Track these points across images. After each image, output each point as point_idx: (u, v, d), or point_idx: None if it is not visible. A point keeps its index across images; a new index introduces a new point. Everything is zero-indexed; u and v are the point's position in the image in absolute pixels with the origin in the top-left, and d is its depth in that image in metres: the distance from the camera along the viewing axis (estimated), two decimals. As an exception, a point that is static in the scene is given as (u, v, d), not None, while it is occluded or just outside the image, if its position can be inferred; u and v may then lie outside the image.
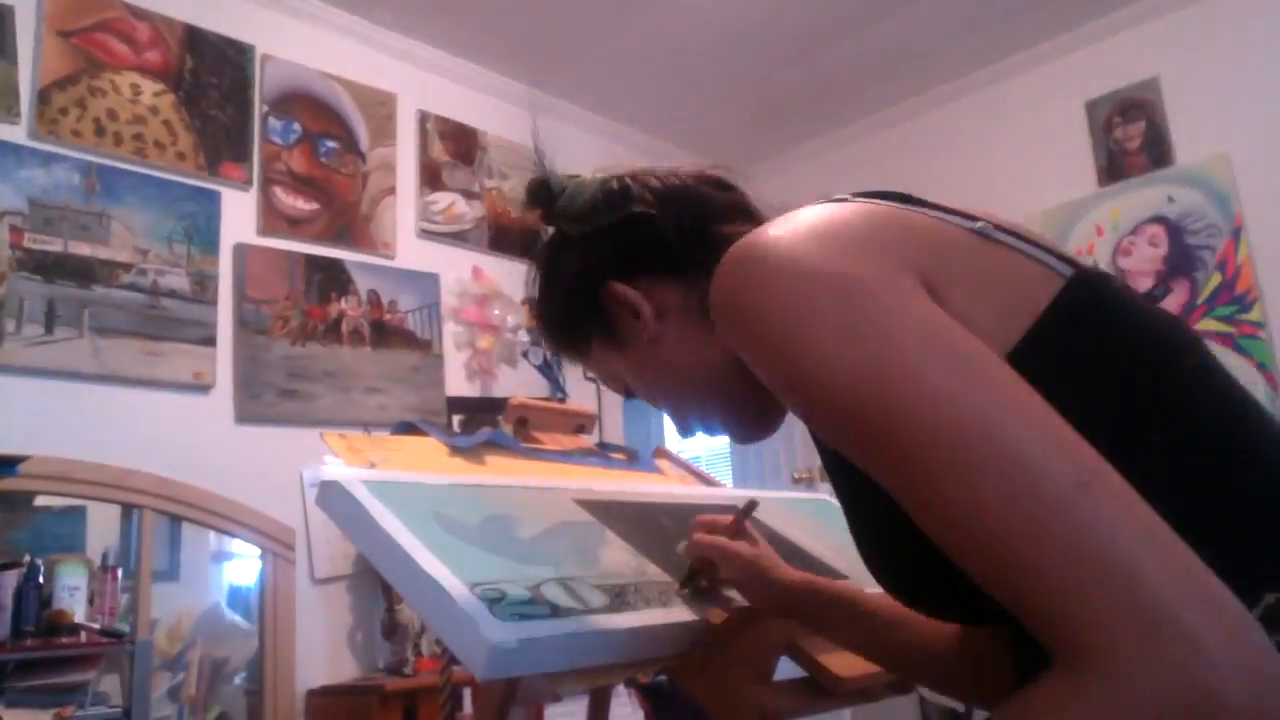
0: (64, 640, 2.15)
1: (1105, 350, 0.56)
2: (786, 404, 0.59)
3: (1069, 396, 0.49)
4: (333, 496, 0.91)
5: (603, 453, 1.43)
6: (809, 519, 1.37)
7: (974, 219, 0.61)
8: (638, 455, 1.47)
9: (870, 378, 0.50)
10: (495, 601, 0.79)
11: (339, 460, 1.02)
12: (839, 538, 1.24)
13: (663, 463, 1.53)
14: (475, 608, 0.78)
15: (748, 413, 0.81)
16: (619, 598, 0.89)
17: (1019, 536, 0.45)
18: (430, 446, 1.17)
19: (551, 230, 0.85)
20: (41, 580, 2.19)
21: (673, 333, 0.79)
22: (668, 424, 5.46)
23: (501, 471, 1.19)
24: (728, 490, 1.48)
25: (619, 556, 1.01)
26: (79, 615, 2.20)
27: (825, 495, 1.45)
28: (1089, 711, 0.42)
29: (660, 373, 0.82)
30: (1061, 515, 0.44)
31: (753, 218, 0.79)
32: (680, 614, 0.91)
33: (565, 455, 1.34)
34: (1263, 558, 0.51)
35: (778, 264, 0.56)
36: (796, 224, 0.59)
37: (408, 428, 1.21)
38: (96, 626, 2.22)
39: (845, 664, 0.97)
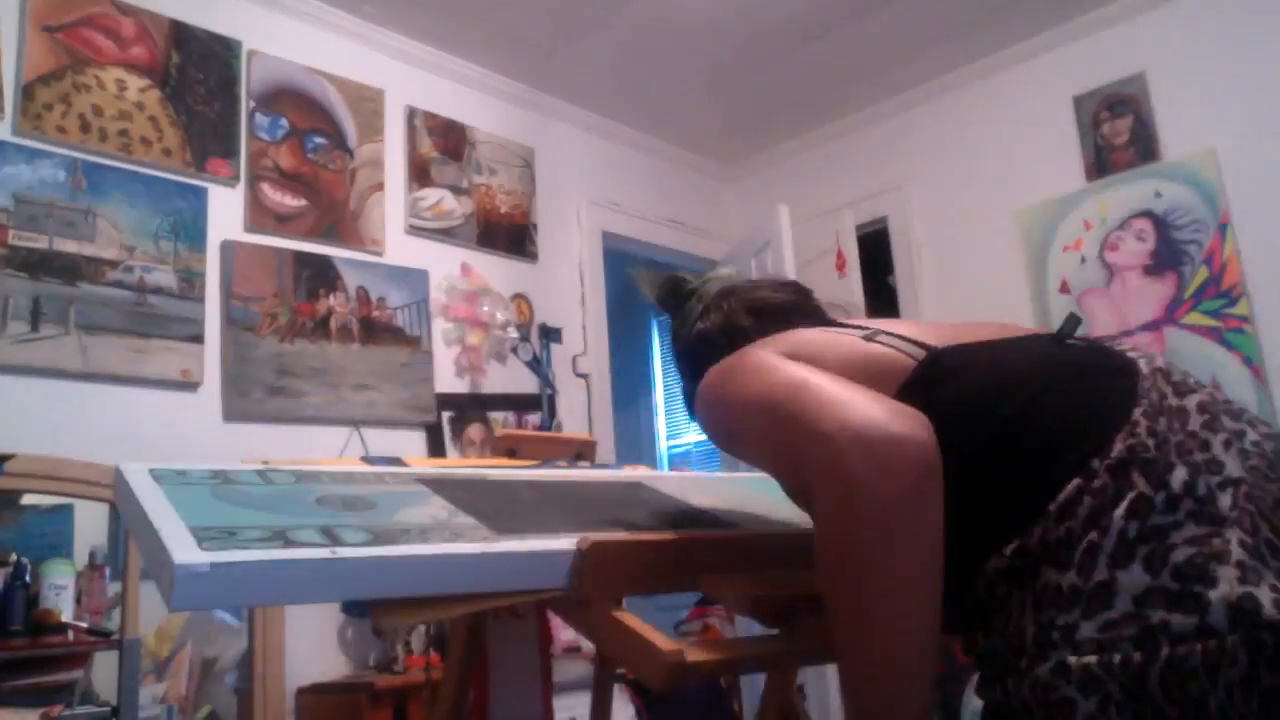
0: (51, 639, 2.14)
1: (934, 401, 0.83)
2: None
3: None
4: (118, 486, 0.91)
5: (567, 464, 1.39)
6: (714, 486, 1.39)
7: (866, 329, 0.96)
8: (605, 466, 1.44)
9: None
10: (214, 539, 0.75)
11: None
12: (742, 498, 1.33)
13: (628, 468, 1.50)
14: (179, 540, 0.74)
15: None
16: (385, 536, 0.84)
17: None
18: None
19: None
20: (28, 579, 2.18)
21: None
22: (660, 421, 5.46)
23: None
24: (624, 471, 1.43)
25: (427, 511, 0.95)
26: (66, 614, 2.19)
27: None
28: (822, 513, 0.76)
29: None
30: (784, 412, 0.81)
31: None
32: (455, 547, 0.85)
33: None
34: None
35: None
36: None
37: None
38: (84, 625, 2.21)
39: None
